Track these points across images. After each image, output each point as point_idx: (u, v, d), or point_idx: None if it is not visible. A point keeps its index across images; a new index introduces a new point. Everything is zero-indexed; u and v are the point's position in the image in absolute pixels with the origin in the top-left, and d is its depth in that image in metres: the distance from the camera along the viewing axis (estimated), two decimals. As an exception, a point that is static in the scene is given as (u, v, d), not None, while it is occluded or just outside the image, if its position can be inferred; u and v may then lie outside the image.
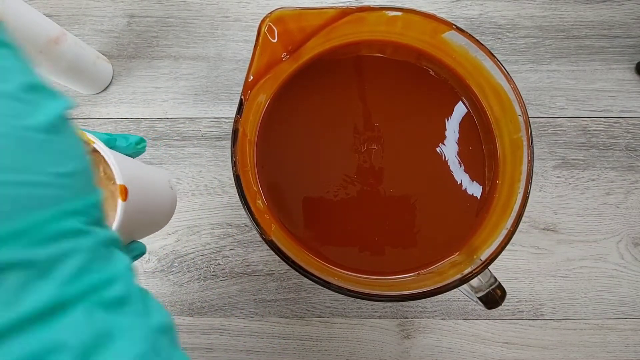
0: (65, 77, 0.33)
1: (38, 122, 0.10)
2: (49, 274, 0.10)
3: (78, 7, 0.39)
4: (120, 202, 0.18)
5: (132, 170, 0.20)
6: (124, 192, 0.18)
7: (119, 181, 0.18)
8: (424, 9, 0.26)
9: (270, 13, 0.25)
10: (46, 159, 0.10)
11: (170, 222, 0.35)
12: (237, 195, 0.23)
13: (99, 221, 0.12)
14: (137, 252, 0.21)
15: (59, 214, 0.10)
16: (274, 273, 0.35)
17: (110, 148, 0.20)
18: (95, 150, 0.19)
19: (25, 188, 0.10)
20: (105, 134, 0.20)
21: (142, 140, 0.23)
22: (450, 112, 0.29)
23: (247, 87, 0.25)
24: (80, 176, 0.11)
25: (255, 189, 0.27)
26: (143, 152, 0.23)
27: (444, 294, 0.23)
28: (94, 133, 0.19)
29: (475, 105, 0.29)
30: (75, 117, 0.37)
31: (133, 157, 0.23)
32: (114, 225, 0.18)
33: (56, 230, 0.10)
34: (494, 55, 0.26)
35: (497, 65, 0.26)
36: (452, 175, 0.28)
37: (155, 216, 0.23)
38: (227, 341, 0.34)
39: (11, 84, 0.10)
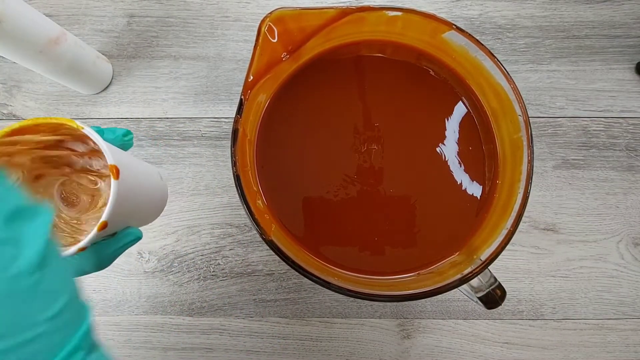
0: (65, 77, 0.33)
1: (25, 264, 0.09)
2: None
3: (78, 7, 0.39)
4: (113, 181, 0.18)
5: (122, 155, 0.20)
6: (116, 171, 0.18)
7: (110, 161, 0.18)
8: (424, 9, 0.26)
9: (270, 13, 0.25)
10: (39, 306, 0.10)
11: (170, 222, 0.35)
12: (237, 195, 0.23)
13: (94, 344, 0.11)
14: (132, 237, 0.21)
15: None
16: (274, 273, 0.35)
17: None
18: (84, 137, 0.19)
19: (27, 348, 0.09)
20: (92, 127, 0.21)
21: (128, 132, 0.23)
22: (450, 112, 0.29)
23: (247, 87, 0.25)
24: (71, 304, 0.11)
25: (255, 189, 0.27)
26: (131, 144, 0.24)
27: (444, 294, 0.23)
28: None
29: (475, 105, 0.29)
30: (75, 117, 0.37)
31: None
32: (109, 203, 0.18)
33: None
34: (494, 55, 0.26)
35: (497, 65, 0.26)
36: (452, 175, 0.28)
37: (148, 204, 0.23)
38: (227, 341, 0.34)
39: None
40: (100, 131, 0.21)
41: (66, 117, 0.19)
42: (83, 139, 0.21)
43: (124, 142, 0.23)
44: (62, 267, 0.11)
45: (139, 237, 0.22)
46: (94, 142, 0.19)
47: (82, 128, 0.19)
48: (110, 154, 0.18)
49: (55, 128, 0.19)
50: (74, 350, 0.10)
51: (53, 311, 0.10)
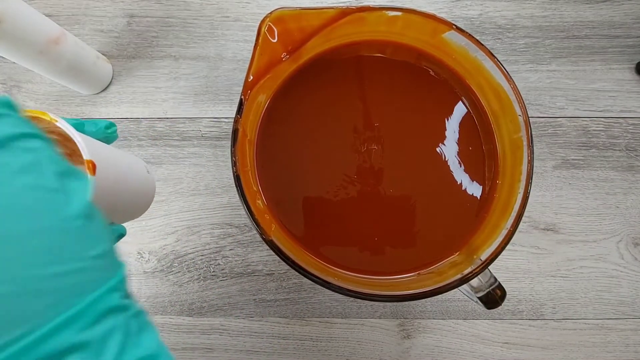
0: (65, 77, 0.33)
1: (74, 210, 0.12)
2: (101, 352, 0.11)
3: (78, 7, 0.39)
4: (89, 177, 0.17)
5: (101, 149, 0.19)
6: (92, 167, 0.17)
7: (85, 156, 0.17)
8: (424, 9, 0.26)
9: (270, 13, 0.25)
10: (85, 245, 0.12)
11: (170, 222, 0.35)
12: (237, 195, 0.23)
13: (127, 293, 0.13)
14: (116, 233, 0.21)
15: (102, 294, 0.11)
16: (274, 273, 0.35)
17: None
18: (59, 133, 0.18)
19: (75, 276, 0.11)
20: (73, 119, 0.20)
21: (111, 124, 0.22)
22: (450, 112, 0.29)
23: (247, 87, 0.25)
24: (110, 254, 0.12)
25: (255, 189, 0.27)
26: (115, 137, 0.23)
27: (444, 294, 0.23)
28: (62, 118, 0.19)
29: (475, 105, 0.29)
30: (75, 117, 0.37)
31: (106, 143, 0.23)
32: None
33: (102, 310, 0.11)
34: (494, 55, 0.26)
35: (497, 65, 0.26)
36: (452, 175, 0.28)
37: (133, 198, 0.23)
38: (227, 341, 0.34)
39: (46, 176, 0.11)
40: (80, 124, 0.20)
41: (40, 111, 0.18)
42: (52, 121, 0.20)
43: (107, 134, 0.22)
44: (101, 223, 0.13)
45: (122, 234, 0.21)
46: (67, 131, 0.18)
47: (56, 121, 0.18)
48: (87, 148, 0.17)
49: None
50: (113, 290, 0.12)
51: (96, 252, 0.12)
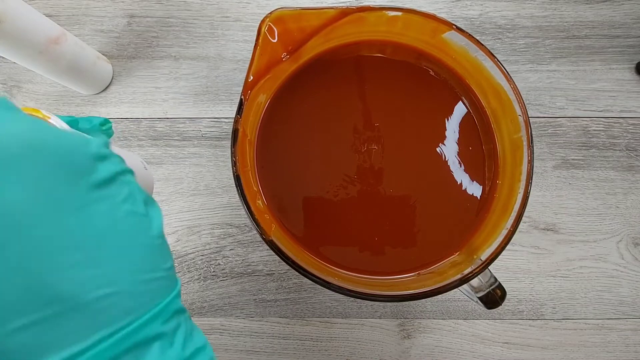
0: (65, 77, 0.33)
1: (156, 231, 0.15)
2: (173, 342, 0.14)
3: (78, 7, 0.39)
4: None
5: None
6: None
7: None
8: (424, 9, 0.26)
9: (270, 13, 0.25)
10: (162, 258, 0.15)
11: (170, 222, 0.35)
12: (237, 195, 0.23)
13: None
14: None
15: (173, 298, 0.14)
16: (274, 273, 0.35)
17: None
18: None
19: (157, 282, 0.14)
20: (68, 116, 0.20)
21: (106, 121, 0.23)
22: (450, 112, 0.29)
23: (247, 87, 0.25)
24: (173, 267, 0.16)
25: (255, 189, 0.27)
26: (110, 134, 0.23)
27: (444, 294, 0.23)
28: (57, 116, 0.18)
29: (475, 105, 0.29)
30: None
31: None
32: None
33: (173, 310, 0.14)
34: (494, 55, 0.26)
35: (497, 65, 0.26)
36: (452, 175, 0.28)
37: None
38: (227, 341, 0.34)
39: (138, 204, 0.15)
40: (74, 121, 0.20)
41: (33, 108, 0.18)
42: (45, 118, 0.20)
43: (102, 131, 0.22)
44: (167, 243, 0.16)
45: None
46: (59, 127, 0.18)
47: (49, 117, 0.18)
48: None
49: None
50: (177, 295, 0.15)
51: (168, 265, 0.15)
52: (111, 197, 0.13)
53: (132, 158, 0.23)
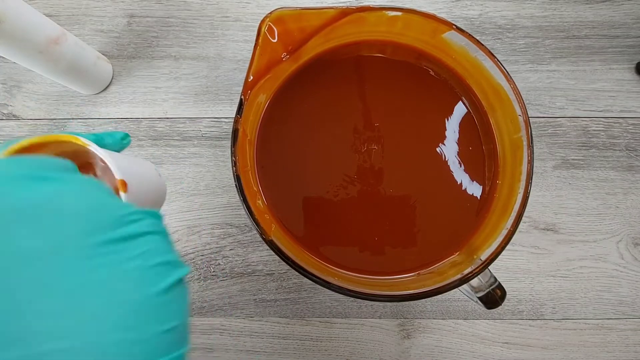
0: (65, 77, 0.33)
1: (159, 288, 0.14)
2: None
3: (78, 7, 0.39)
4: (122, 194, 0.18)
5: (126, 164, 0.20)
6: (124, 185, 0.18)
7: (117, 176, 0.18)
8: (424, 9, 0.26)
9: (270, 13, 0.25)
10: (158, 319, 0.13)
11: (170, 222, 0.35)
12: (237, 195, 0.23)
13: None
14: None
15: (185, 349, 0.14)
16: (274, 273, 0.35)
17: (100, 147, 0.20)
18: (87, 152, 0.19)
19: (146, 344, 0.13)
20: (92, 134, 0.21)
21: (126, 135, 0.23)
22: (450, 112, 0.29)
23: (247, 87, 0.25)
24: (179, 331, 0.14)
25: (255, 189, 0.27)
26: (128, 145, 0.24)
27: (444, 294, 0.23)
28: (81, 135, 0.19)
29: (475, 105, 0.29)
30: (75, 117, 0.37)
31: (119, 152, 0.23)
32: None
33: None
34: (494, 55, 0.26)
35: (497, 65, 0.26)
36: (452, 175, 0.28)
37: (152, 204, 0.23)
38: (227, 341, 0.34)
39: (151, 261, 0.14)
40: (100, 138, 0.21)
41: (71, 134, 0.19)
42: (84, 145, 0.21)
43: (123, 145, 0.23)
44: (183, 298, 0.15)
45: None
46: (101, 159, 0.19)
47: (88, 145, 0.19)
48: (117, 168, 0.18)
49: (59, 145, 0.19)
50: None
51: (165, 327, 0.13)
52: (122, 253, 0.13)
53: (145, 166, 0.24)
